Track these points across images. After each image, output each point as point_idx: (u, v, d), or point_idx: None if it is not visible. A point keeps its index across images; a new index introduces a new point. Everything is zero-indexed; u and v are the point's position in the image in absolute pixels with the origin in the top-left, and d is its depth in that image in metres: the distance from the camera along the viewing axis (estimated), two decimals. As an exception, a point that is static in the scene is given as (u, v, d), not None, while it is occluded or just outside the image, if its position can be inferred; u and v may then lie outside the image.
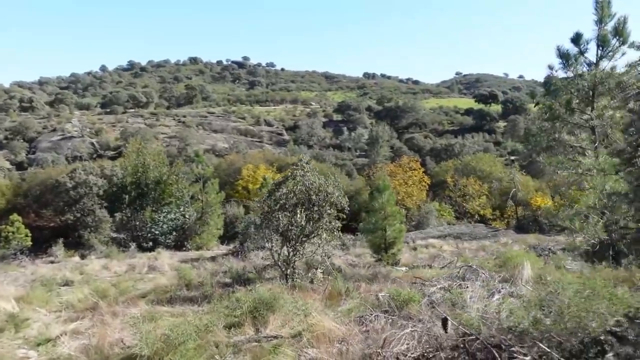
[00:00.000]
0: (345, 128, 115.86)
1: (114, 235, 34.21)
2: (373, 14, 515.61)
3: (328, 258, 12.55)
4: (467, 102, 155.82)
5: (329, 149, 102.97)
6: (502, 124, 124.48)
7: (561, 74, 16.17)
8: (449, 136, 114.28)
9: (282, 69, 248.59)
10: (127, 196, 32.81)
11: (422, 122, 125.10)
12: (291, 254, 12.08)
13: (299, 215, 11.92)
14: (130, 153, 33.86)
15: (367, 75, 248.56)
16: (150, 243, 29.90)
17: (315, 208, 11.88)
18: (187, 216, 31.99)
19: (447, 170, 62.25)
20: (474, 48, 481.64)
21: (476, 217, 52.89)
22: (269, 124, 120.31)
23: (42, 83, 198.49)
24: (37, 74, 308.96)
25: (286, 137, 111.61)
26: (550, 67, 16.24)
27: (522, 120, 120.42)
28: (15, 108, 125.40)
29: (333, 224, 12.08)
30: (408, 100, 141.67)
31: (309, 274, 12.05)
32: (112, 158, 71.31)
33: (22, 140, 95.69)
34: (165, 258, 22.29)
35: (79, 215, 36.89)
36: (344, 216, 13.25)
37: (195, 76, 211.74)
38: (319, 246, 12.28)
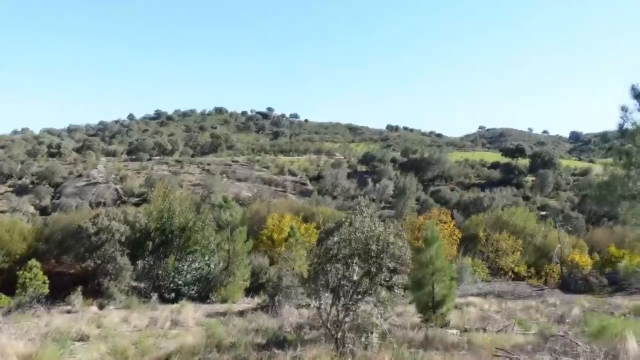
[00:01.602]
0: (369, 179, 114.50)
1: (135, 284, 32.66)
2: (395, 67, 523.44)
3: (385, 320, 10.74)
4: (493, 156, 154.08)
5: (354, 199, 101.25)
6: (530, 178, 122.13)
7: (637, 115, 14.60)
8: (476, 189, 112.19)
9: (306, 120, 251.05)
10: (150, 243, 31.37)
11: (448, 175, 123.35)
12: (342, 313, 10.29)
13: (355, 269, 10.22)
14: (156, 198, 32.69)
15: (390, 128, 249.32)
16: (173, 294, 28.16)
17: (374, 260, 10.18)
18: (212, 266, 30.33)
19: (478, 224, 59.92)
20: (497, 102, 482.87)
21: (510, 274, 50.33)
22: (292, 174, 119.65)
23: (70, 130, 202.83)
24: (67, 121, 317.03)
25: (310, 187, 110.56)
26: (624, 109, 14.68)
27: (552, 174, 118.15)
28: (44, 154, 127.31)
29: (394, 279, 10.32)
30: (433, 152, 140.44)
31: (363, 339, 10.22)
32: (136, 204, 70.72)
33: (47, 185, 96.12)
34: (190, 311, 20.51)
35: (99, 262, 35.56)
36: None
37: (220, 126, 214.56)
38: (374, 305, 10.52)
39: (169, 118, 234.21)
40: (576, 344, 8.81)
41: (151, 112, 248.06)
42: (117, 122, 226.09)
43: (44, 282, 30.01)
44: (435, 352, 11.46)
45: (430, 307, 17.54)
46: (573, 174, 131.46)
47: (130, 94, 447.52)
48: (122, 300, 27.90)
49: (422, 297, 17.51)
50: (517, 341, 14.55)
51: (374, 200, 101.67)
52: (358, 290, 10.08)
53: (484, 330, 17.25)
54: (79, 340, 15.35)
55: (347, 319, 10.23)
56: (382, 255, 10.12)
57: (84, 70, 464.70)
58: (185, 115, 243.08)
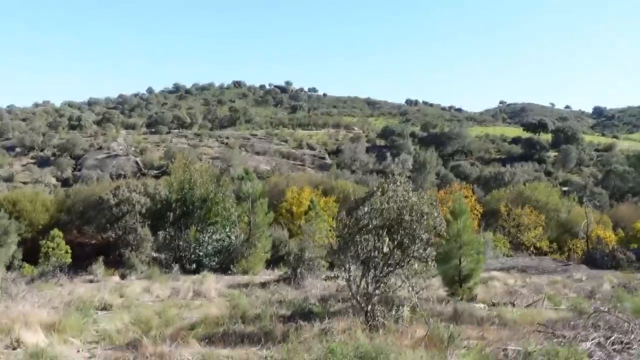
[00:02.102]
0: (388, 153, 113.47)
1: (155, 255, 32.76)
2: (415, 41, 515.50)
3: (416, 293, 10.32)
4: (515, 131, 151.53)
5: (372, 174, 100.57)
6: (552, 153, 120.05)
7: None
8: (496, 164, 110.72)
9: (324, 94, 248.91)
10: (171, 214, 31.28)
11: (468, 150, 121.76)
12: (373, 286, 9.89)
13: (386, 240, 9.77)
14: (176, 169, 32.45)
15: (409, 102, 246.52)
16: (194, 265, 28.14)
17: (407, 231, 9.71)
18: (233, 237, 30.19)
19: (499, 199, 59.02)
20: (518, 77, 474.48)
21: (531, 249, 49.70)
22: (311, 148, 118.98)
23: (91, 103, 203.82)
24: (87, 94, 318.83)
25: (328, 161, 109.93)
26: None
27: (574, 149, 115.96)
28: (65, 126, 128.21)
29: (428, 251, 9.86)
30: (453, 127, 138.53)
31: (394, 312, 9.83)
32: (156, 177, 70.95)
33: (68, 157, 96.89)
34: (212, 282, 20.38)
35: (120, 233, 35.78)
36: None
37: (238, 99, 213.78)
38: (406, 278, 10.09)
39: (188, 92, 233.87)
40: (623, 321, 8.29)
41: (170, 86, 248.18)
42: (136, 95, 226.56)
43: (67, 252, 30.24)
44: (467, 326, 11.06)
45: (456, 281, 17.14)
46: (596, 150, 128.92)
47: (149, 68, 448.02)
48: (143, 270, 27.97)
49: (448, 271, 17.09)
50: (549, 316, 14.09)
51: (393, 174, 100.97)
52: (389, 262, 9.65)
53: (512, 304, 16.82)
54: (102, 309, 15.27)
55: (377, 292, 9.83)
56: (415, 226, 9.65)
57: (103, 44, 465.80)
58: (203, 89, 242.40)
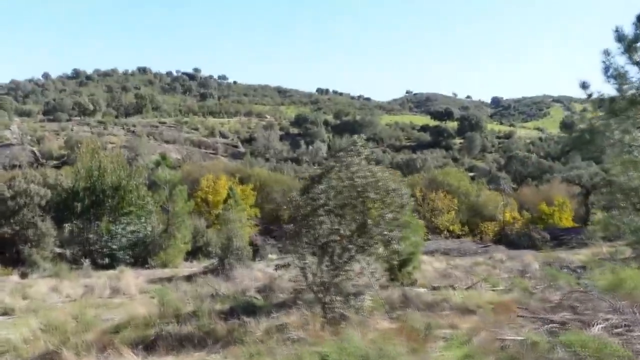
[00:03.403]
0: (302, 141, 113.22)
1: (59, 250, 29.88)
2: (322, 29, 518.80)
3: (377, 280, 9.38)
4: (422, 119, 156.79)
5: (287, 162, 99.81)
6: (457, 140, 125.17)
7: (619, 60, 13.83)
8: (407, 152, 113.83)
9: (235, 82, 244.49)
10: (79, 204, 28.48)
11: (379, 137, 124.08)
12: (332, 274, 8.79)
13: (346, 221, 8.71)
14: (83, 154, 29.60)
15: (320, 91, 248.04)
16: (107, 259, 25.70)
17: (372, 211, 8.69)
18: (149, 228, 28.00)
19: (413, 185, 60.37)
20: (423, 67, 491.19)
21: (445, 232, 51.16)
22: (223, 136, 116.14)
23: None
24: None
25: (242, 149, 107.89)
26: (607, 53, 13.86)
27: (479, 137, 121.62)
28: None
29: (393, 233, 8.89)
30: (365, 115, 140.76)
31: (352, 303, 8.82)
32: (56, 167, 65.77)
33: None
34: (130, 277, 18.44)
35: (17, 228, 32.42)
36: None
37: (144, 86, 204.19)
38: (367, 264, 9.12)
39: (89, 78, 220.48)
40: (600, 299, 7.78)
41: (69, 72, 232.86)
42: (30, 80, 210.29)
43: (-46, 251, 26.81)
44: (424, 312, 10.32)
45: (395, 266, 16.52)
46: (497, 137, 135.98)
47: (44, 51, 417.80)
48: (46, 268, 25.27)
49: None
50: (493, 298, 13.79)
51: (307, 162, 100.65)
52: (349, 246, 8.63)
53: (453, 287, 16.47)
54: (2, 315, 13.15)
55: (336, 280, 8.78)
56: (381, 205, 8.67)
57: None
58: (106, 74, 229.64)
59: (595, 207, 36.92)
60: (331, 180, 8.98)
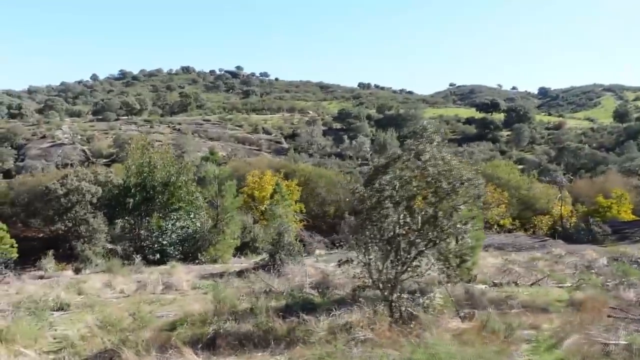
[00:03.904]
0: (345, 136, 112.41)
1: (111, 246, 30.25)
2: (365, 25, 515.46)
3: (448, 277, 8.72)
4: (467, 112, 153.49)
5: (330, 157, 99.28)
6: (505, 132, 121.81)
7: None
8: (452, 145, 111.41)
9: (276, 79, 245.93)
10: (130, 201, 28.69)
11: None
12: (399, 270, 8.19)
13: (416, 214, 8.08)
14: (134, 151, 29.79)
15: (361, 86, 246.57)
16: (158, 255, 25.71)
17: (444, 203, 8.01)
18: (198, 224, 27.96)
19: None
20: (466, 59, 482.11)
21: (495, 227, 49.61)
22: (267, 132, 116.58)
23: (31, 91, 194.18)
24: (26, 83, 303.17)
25: (285, 145, 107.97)
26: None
27: (527, 128, 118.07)
28: (4, 115, 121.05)
29: (467, 226, 8.20)
30: (408, 108, 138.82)
31: (422, 300, 8.20)
32: (106, 165, 67.29)
33: (9, 147, 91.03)
34: (181, 273, 18.32)
35: (70, 224, 33.13)
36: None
37: (188, 85, 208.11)
38: (437, 260, 8.47)
39: (135, 78, 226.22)
40: None
41: (115, 73, 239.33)
42: (79, 82, 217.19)
43: (12, 246, 27.50)
44: (495, 311, 9.61)
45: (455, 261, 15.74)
46: (547, 128, 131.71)
47: (92, 53, 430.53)
48: (98, 263, 25.56)
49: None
50: (561, 295, 12.96)
51: (350, 157, 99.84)
52: (417, 241, 7.98)
53: (516, 284, 15.63)
54: (58, 310, 13.08)
55: (403, 277, 8.16)
56: (454, 196, 7.98)
57: (41, 31, 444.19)
58: (151, 75, 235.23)
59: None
60: (398, 170, 8.34)
